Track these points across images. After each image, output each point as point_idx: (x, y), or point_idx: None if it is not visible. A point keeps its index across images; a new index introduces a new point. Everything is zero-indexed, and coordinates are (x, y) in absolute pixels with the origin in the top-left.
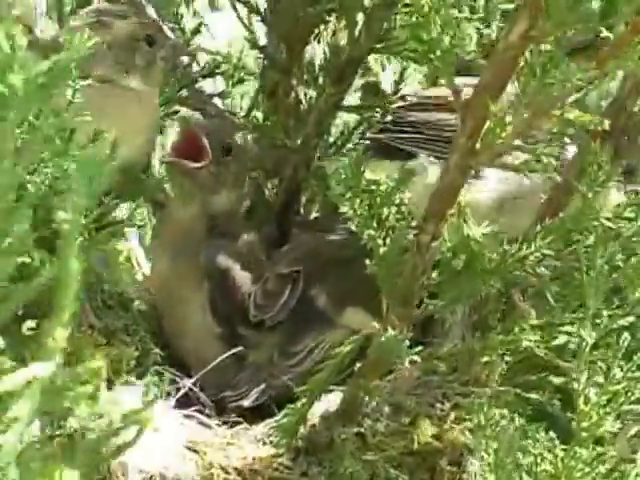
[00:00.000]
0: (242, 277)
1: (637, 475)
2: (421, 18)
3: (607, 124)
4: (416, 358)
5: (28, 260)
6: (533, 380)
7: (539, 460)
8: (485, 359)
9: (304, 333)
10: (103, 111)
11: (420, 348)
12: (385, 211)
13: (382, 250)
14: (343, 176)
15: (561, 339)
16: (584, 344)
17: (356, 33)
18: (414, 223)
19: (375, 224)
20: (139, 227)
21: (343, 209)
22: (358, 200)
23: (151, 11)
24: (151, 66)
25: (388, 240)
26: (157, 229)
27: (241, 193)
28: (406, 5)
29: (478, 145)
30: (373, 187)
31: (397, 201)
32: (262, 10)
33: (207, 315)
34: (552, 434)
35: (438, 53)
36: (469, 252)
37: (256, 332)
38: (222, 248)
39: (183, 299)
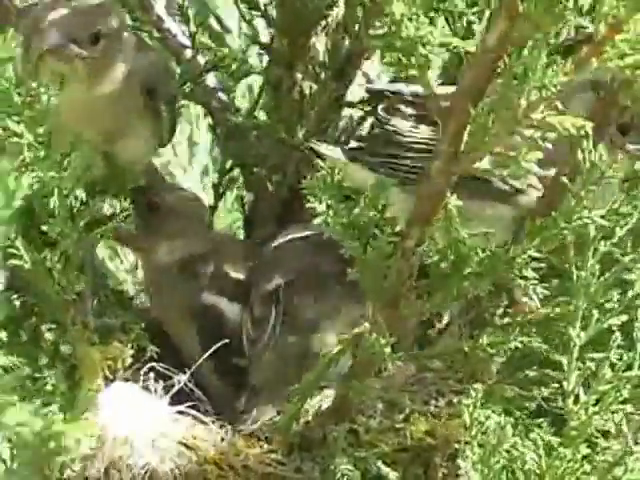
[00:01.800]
0: (230, 309)
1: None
2: (393, 26)
3: (589, 127)
4: (399, 363)
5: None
6: (534, 375)
7: (525, 459)
8: (480, 356)
9: None
10: None
11: (402, 353)
12: (366, 219)
13: (364, 257)
14: (319, 186)
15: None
16: (573, 344)
17: (356, 28)
18: (398, 228)
19: (356, 232)
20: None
21: (318, 219)
22: (334, 212)
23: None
24: None
25: (369, 247)
26: None
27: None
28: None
29: (460, 150)
30: (353, 196)
31: (380, 207)
32: (262, 5)
33: (199, 351)
34: (544, 431)
35: (412, 60)
36: (457, 254)
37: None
38: (205, 284)
39: (175, 333)
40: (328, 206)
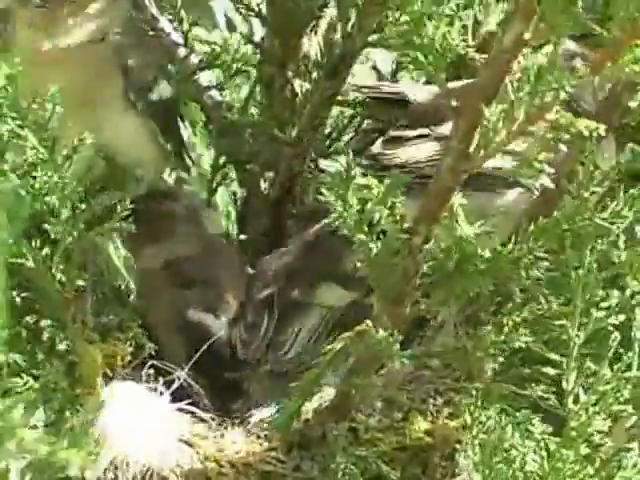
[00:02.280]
0: (217, 325)
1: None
2: (412, 23)
3: (603, 129)
4: (406, 361)
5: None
6: (528, 373)
7: (526, 460)
8: (478, 355)
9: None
10: None
11: (409, 352)
12: (377, 215)
13: (373, 253)
14: (333, 183)
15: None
16: (572, 343)
17: (349, 28)
18: (406, 225)
19: (366, 228)
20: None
21: (333, 215)
22: (348, 205)
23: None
24: None
25: (379, 243)
26: None
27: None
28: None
29: (471, 149)
30: (365, 191)
31: (389, 204)
32: (256, 4)
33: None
34: (542, 429)
35: (430, 58)
36: (461, 253)
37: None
38: (191, 299)
39: (161, 342)
40: (344, 200)
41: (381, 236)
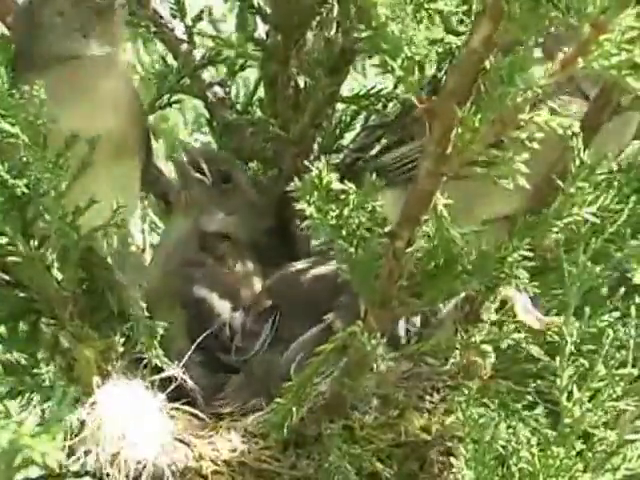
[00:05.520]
0: (220, 305)
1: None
2: (377, 29)
3: (577, 126)
4: (391, 364)
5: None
6: (529, 368)
7: (518, 456)
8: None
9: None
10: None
11: (394, 354)
12: (356, 220)
13: (355, 258)
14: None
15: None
16: (565, 342)
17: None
18: (387, 229)
19: (345, 234)
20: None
21: (307, 223)
22: (323, 214)
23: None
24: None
25: (360, 248)
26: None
27: (242, 220)
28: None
29: (449, 151)
30: (342, 197)
31: (369, 208)
32: (256, 2)
33: (186, 341)
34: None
35: (398, 62)
36: (447, 253)
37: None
38: (198, 277)
39: (164, 318)
40: (318, 209)
41: (361, 241)
